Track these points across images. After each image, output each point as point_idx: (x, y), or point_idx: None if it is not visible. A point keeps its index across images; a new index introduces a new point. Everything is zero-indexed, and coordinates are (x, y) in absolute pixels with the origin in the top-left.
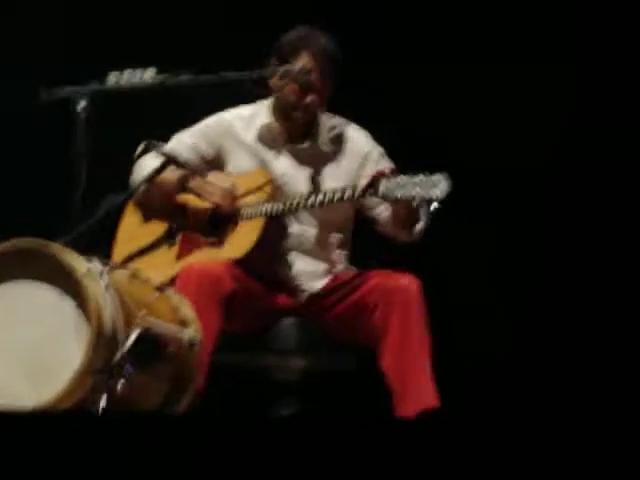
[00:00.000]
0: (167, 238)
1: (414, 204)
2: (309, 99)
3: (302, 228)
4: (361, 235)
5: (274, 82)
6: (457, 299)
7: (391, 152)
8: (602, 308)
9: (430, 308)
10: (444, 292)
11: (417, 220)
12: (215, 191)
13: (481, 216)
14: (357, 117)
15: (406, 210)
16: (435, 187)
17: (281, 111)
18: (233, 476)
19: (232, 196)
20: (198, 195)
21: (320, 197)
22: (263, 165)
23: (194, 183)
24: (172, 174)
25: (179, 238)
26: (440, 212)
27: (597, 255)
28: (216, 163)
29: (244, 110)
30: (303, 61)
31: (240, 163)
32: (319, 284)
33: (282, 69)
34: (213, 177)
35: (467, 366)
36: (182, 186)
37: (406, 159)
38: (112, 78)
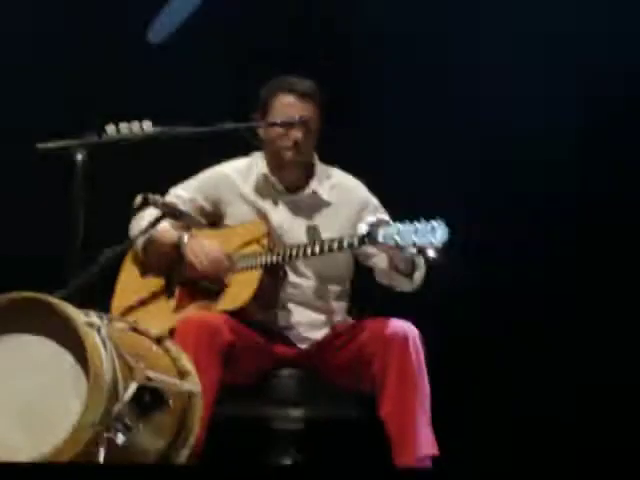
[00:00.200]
0: (165, 290)
1: (413, 252)
2: (294, 134)
3: (300, 279)
4: (360, 284)
5: (262, 134)
6: (454, 347)
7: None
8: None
9: (428, 355)
10: (442, 339)
11: (415, 268)
12: (205, 261)
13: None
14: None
15: (402, 259)
16: (433, 234)
17: (274, 160)
18: None
19: (222, 266)
20: (190, 263)
21: (318, 247)
22: (261, 215)
23: (187, 248)
24: (169, 233)
25: (177, 290)
26: (438, 259)
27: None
28: (214, 215)
29: (240, 162)
30: (279, 101)
31: (238, 214)
32: (317, 335)
33: (263, 122)
34: (207, 239)
35: (466, 414)
36: (177, 251)
37: (400, 207)
38: (109, 130)
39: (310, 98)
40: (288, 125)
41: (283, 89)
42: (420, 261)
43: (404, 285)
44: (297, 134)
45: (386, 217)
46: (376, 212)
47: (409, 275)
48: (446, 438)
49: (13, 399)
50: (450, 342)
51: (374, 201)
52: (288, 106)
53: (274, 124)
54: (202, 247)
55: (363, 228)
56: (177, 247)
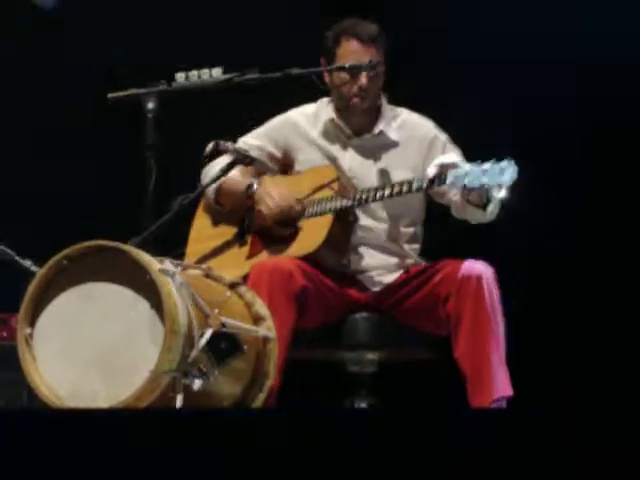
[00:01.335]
0: (238, 238)
1: (483, 193)
2: (359, 80)
3: (372, 223)
4: (433, 228)
5: (328, 79)
6: (532, 287)
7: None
8: None
9: (504, 294)
10: (518, 280)
11: (489, 199)
12: (275, 208)
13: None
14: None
15: (475, 195)
16: (502, 174)
17: (340, 105)
18: (312, 468)
19: (291, 212)
20: (260, 210)
21: (388, 190)
22: (330, 160)
23: (257, 196)
24: (240, 179)
25: (249, 238)
26: (508, 199)
27: None
28: (283, 161)
29: (308, 108)
30: (343, 47)
31: (308, 160)
32: (390, 278)
33: (330, 67)
34: (276, 187)
35: (541, 355)
36: (247, 197)
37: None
38: (179, 78)
39: (374, 43)
40: (353, 71)
41: (347, 35)
42: (493, 193)
43: (478, 217)
44: (362, 80)
45: (456, 152)
46: (446, 148)
47: (483, 206)
48: (521, 379)
49: (90, 347)
50: (527, 282)
51: (443, 137)
52: (352, 52)
53: (339, 69)
54: (271, 194)
55: (432, 171)
56: (247, 195)
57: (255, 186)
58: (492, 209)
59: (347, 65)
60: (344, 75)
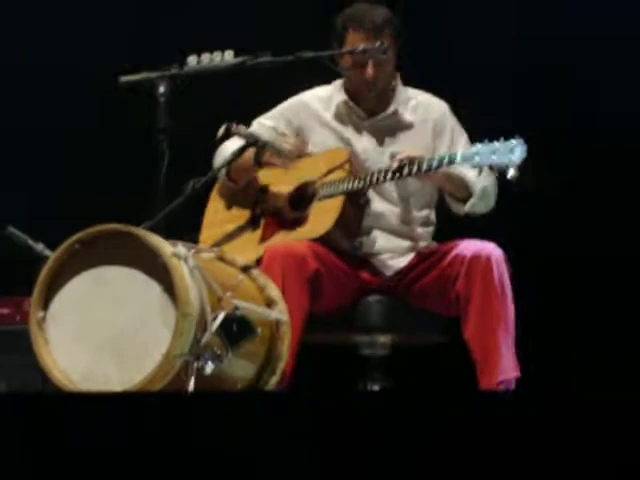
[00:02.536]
0: (251, 222)
1: (494, 172)
2: (367, 69)
3: (385, 206)
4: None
5: (340, 63)
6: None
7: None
8: None
9: (514, 278)
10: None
11: (470, 194)
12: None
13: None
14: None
15: (455, 185)
16: (511, 153)
17: (352, 88)
18: (325, 450)
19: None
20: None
21: (398, 170)
22: (344, 142)
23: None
24: (246, 154)
25: (262, 222)
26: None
27: None
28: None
29: (321, 91)
30: (350, 36)
31: (321, 141)
32: (402, 261)
33: (334, 52)
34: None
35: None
36: (258, 156)
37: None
38: (191, 61)
39: (380, 30)
40: (357, 58)
41: (352, 24)
42: (478, 188)
43: (458, 209)
44: (369, 71)
45: (463, 138)
46: (453, 132)
47: (464, 200)
48: (530, 360)
49: (103, 330)
50: (536, 263)
51: (452, 121)
52: (359, 41)
53: (344, 53)
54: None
55: (442, 149)
56: (258, 154)
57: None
58: (473, 203)
59: (351, 50)
60: (350, 64)
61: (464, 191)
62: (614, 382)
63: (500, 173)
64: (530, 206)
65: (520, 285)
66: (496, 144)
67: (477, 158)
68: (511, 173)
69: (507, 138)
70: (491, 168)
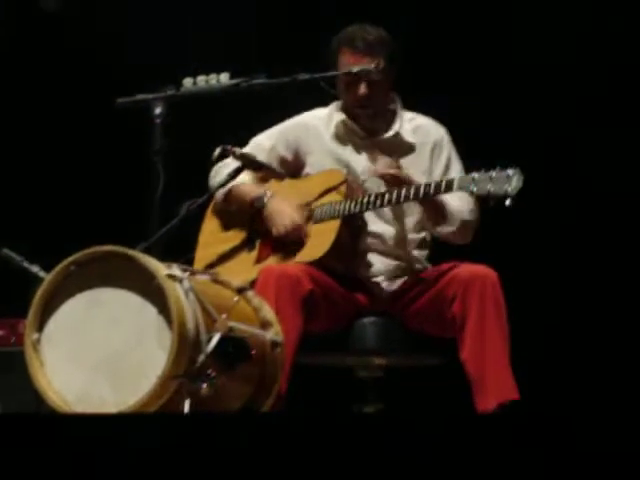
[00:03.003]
0: (246, 243)
1: (490, 202)
2: (359, 89)
3: (381, 226)
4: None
5: (336, 84)
6: (533, 292)
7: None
8: None
9: (508, 299)
10: (521, 285)
11: (446, 222)
12: (283, 223)
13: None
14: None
15: (431, 207)
16: (508, 182)
17: (348, 109)
18: (319, 473)
19: (299, 229)
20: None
21: (395, 196)
22: (342, 164)
23: (266, 211)
24: (249, 188)
25: (258, 243)
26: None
27: None
28: (294, 164)
29: (320, 111)
30: (342, 57)
31: (319, 162)
32: (398, 283)
33: (325, 75)
34: (287, 203)
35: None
36: (254, 209)
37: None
38: (187, 83)
39: (372, 51)
40: (348, 79)
41: (346, 44)
42: (459, 220)
43: (428, 227)
44: (361, 90)
45: (458, 166)
46: (449, 160)
47: (437, 224)
48: (527, 382)
49: (98, 352)
50: (530, 286)
51: (449, 148)
52: (348, 63)
53: (340, 74)
54: (281, 214)
55: (437, 172)
56: (254, 207)
57: (266, 198)
58: (450, 230)
59: (347, 72)
60: (345, 83)
61: (441, 218)
62: (610, 403)
63: (496, 201)
64: (523, 229)
65: (514, 307)
66: (493, 173)
67: (473, 187)
68: (508, 202)
69: (503, 167)
70: (488, 197)
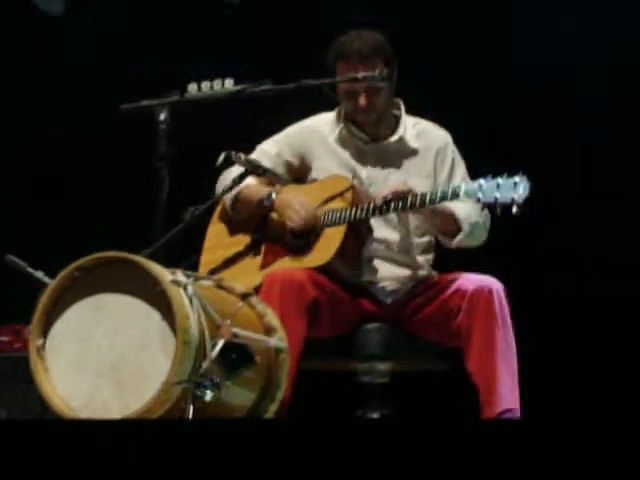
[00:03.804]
0: (251, 248)
1: (497, 209)
2: (359, 98)
3: (386, 232)
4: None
5: (338, 91)
6: (541, 304)
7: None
8: None
9: (513, 311)
10: (527, 296)
11: (459, 230)
12: (297, 212)
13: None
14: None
15: (438, 219)
16: (516, 189)
17: (351, 116)
18: (323, 478)
19: (315, 217)
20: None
21: (401, 203)
22: (347, 169)
23: (277, 204)
24: (256, 189)
25: (263, 248)
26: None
27: None
28: (300, 169)
29: (326, 116)
30: (339, 66)
31: (325, 167)
32: (402, 290)
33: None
34: (297, 195)
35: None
36: (261, 209)
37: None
38: (192, 89)
39: (368, 59)
40: (348, 89)
41: (342, 54)
42: (467, 224)
43: (445, 242)
44: (361, 101)
45: (461, 170)
46: (453, 164)
47: (452, 235)
48: (532, 392)
49: (102, 358)
50: (536, 297)
51: (453, 152)
52: (348, 71)
53: (335, 82)
54: (294, 204)
55: (441, 177)
56: (264, 206)
57: (274, 194)
58: (460, 239)
59: (352, 78)
60: (345, 92)
61: (452, 226)
62: (614, 413)
63: (503, 209)
64: (529, 239)
65: (520, 317)
66: (499, 180)
67: (480, 194)
68: (515, 210)
69: (510, 174)
70: (495, 204)
